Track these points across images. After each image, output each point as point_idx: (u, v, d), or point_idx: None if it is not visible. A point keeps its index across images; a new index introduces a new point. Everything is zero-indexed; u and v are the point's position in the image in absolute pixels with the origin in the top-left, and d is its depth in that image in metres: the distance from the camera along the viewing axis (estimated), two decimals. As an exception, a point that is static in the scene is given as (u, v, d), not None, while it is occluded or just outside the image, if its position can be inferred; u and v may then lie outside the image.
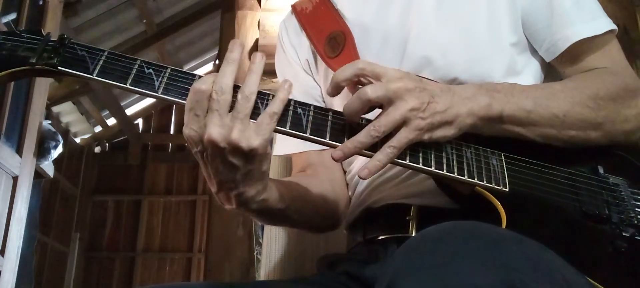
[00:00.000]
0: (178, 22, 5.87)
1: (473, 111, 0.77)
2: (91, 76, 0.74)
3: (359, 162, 1.00)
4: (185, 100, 0.72)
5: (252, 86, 0.71)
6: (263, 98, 0.74)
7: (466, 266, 0.53)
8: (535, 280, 0.53)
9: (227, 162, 0.71)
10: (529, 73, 0.96)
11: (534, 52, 0.97)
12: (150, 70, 0.74)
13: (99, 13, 5.12)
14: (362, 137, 0.72)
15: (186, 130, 0.71)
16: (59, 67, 0.74)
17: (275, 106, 0.72)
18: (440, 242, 0.58)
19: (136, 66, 0.74)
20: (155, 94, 0.73)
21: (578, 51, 0.93)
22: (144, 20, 5.56)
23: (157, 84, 0.74)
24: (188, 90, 0.73)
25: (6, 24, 2.87)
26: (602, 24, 0.93)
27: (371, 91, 0.73)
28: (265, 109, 0.72)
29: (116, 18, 5.32)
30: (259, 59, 0.73)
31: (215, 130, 0.69)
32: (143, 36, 5.79)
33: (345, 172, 1.07)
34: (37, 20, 3.07)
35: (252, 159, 0.72)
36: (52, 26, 3.16)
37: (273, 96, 0.74)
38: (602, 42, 0.93)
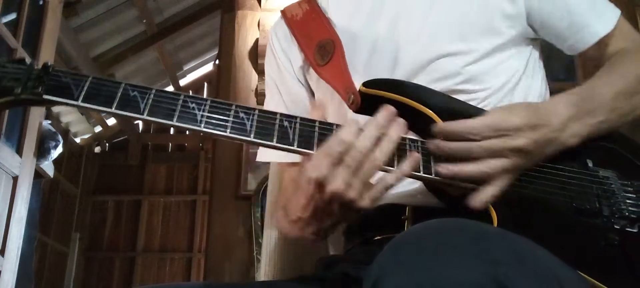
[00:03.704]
0: (178, 22, 5.87)
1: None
2: (77, 102, 0.74)
3: None
4: (171, 121, 0.74)
5: (385, 155, 0.73)
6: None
7: (451, 261, 0.53)
8: (521, 274, 0.53)
9: (329, 208, 0.74)
10: (521, 69, 0.99)
11: (527, 48, 1.01)
12: (135, 93, 0.75)
13: (99, 13, 5.12)
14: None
15: (314, 172, 0.72)
16: (44, 96, 0.74)
17: (392, 179, 0.74)
18: (425, 238, 0.58)
19: (121, 89, 0.75)
20: (141, 116, 0.74)
21: (600, 42, 0.99)
22: (144, 20, 5.56)
23: (142, 106, 0.74)
24: (173, 110, 0.74)
25: (6, 24, 2.87)
26: (614, 14, 1.00)
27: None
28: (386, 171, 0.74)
29: (116, 18, 5.32)
30: (395, 131, 0.74)
31: (339, 184, 0.71)
32: (143, 36, 5.79)
33: None
34: (37, 20, 3.07)
35: (351, 211, 0.74)
36: (52, 26, 3.16)
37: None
38: (617, 27, 1.00)
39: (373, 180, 0.74)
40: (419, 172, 0.77)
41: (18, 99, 0.74)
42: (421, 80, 0.92)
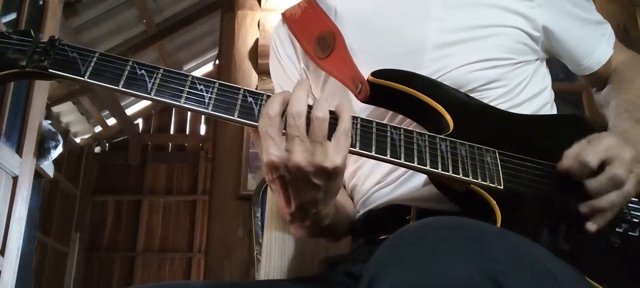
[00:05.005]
0: (178, 22, 5.86)
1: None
2: (82, 78, 0.72)
3: (367, 166, 1.00)
4: (178, 101, 0.72)
5: (324, 108, 0.72)
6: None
7: (447, 258, 0.53)
8: (516, 272, 0.53)
9: (310, 183, 0.72)
10: (534, 84, 1.01)
11: (539, 58, 1.04)
12: (143, 71, 0.74)
13: (99, 13, 5.11)
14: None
15: (268, 157, 0.71)
16: (49, 70, 0.72)
17: (346, 122, 0.73)
18: (422, 236, 0.58)
19: (128, 67, 0.74)
20: (148, 96, 0.73)
21: (609, 59, 1.07)
22: (144, 20, 5.55)
23: (149, 85, 0.73)
24: (181, 91, 0.73)
25: (6, 24, 2.87)
26: (609, 27, 1.07)
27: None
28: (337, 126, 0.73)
29: (116, 18, 5.32)
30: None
31: (300, 155, 0.70)
32: (143, 36, 5.79)
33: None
34: (37, 20, 3.06)
35: (334, 177, 0.73)
36: (52, 26, 3.15)
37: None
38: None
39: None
40: (426, 166, 0.77)
41: (23, 71, 0.72)
42: (435, 59, 0.93)
